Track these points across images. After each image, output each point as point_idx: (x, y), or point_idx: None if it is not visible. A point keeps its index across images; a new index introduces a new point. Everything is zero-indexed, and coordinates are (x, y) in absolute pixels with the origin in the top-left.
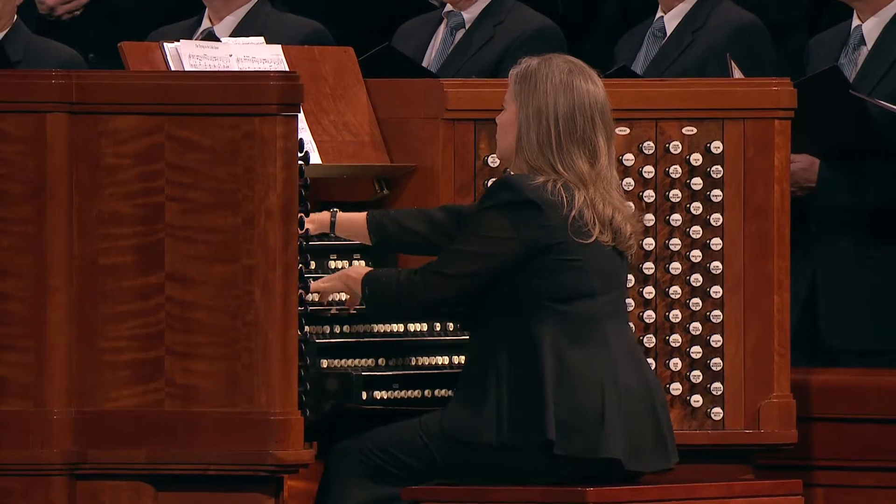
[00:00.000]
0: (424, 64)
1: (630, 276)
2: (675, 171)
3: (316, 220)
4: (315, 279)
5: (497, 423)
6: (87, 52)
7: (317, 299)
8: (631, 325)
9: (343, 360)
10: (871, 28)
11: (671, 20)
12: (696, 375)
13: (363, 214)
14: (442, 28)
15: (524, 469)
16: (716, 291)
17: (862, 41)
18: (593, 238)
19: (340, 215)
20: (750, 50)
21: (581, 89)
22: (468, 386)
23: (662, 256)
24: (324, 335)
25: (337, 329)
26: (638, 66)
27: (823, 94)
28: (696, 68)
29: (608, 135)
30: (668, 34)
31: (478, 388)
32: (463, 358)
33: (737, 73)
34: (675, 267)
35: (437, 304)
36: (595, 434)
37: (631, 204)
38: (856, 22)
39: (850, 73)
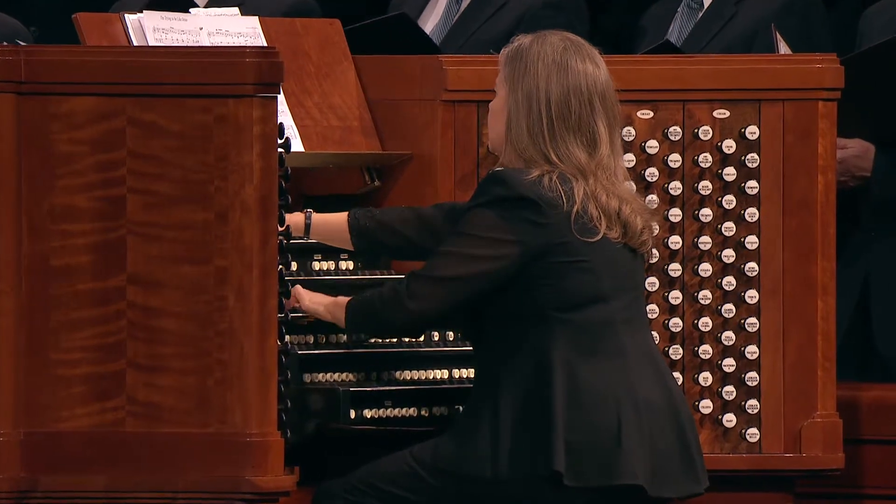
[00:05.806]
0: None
1: (654, 280)
2: (705, 159)
3: (289, 223)
4: (296, 282)
5: (493, 454)
6: (29, 23)
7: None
8: (655, 334)
9: (328, 374)
10: None
11: None
12: (729, 391)
13: (343, 215)
14: None
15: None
16: (751, 296)
17: None
18: (600, 235)
19: (316, 217)
20: (805, 25)
21: (577, 70)
22: (467, 411)
23: (691, 257)
24: (307, 346)
25: (321, 339)
26: (671, 41)
27: (881, 70)
28: (741, 45)
29: (610, 120)
30: (707, 5)
31: (475, 412)
32: (465, 372)
33: (783, 48)
34: (706, 268)
35: (421, 315)
36: (610, 457)
37: (654, 197)
38: None
39: None
